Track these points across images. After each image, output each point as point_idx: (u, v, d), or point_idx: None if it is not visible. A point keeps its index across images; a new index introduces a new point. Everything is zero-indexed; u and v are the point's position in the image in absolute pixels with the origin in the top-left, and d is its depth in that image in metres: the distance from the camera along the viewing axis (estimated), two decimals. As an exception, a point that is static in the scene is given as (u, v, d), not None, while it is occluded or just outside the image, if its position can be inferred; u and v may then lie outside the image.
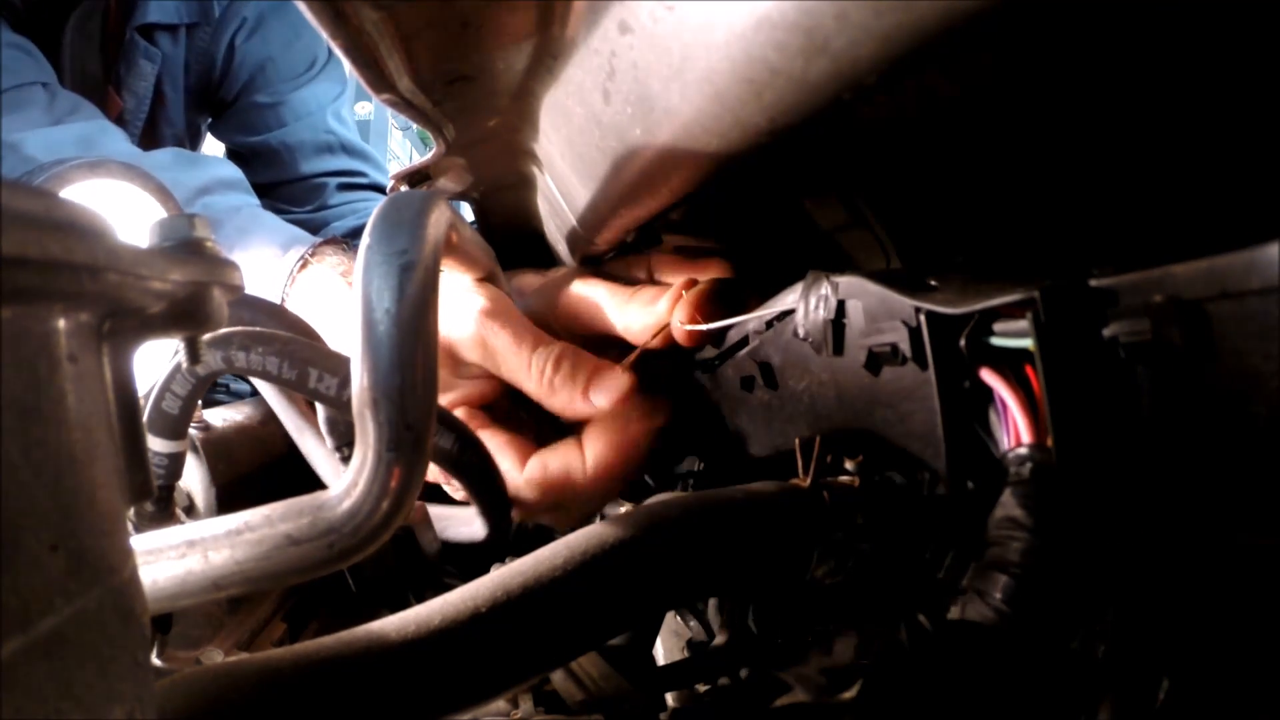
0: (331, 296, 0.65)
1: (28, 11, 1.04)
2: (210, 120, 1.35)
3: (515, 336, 0.51)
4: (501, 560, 0.46)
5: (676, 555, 0.32)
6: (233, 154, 1.34)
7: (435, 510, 0.53)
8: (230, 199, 0.85)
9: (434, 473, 0.54)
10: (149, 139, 1.23)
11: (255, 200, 0.88)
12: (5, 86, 0.92)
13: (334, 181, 1.27)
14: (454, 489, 0.54)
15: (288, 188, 1.26)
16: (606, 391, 0.49)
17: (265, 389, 0.51)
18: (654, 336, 0.49)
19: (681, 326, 0.47)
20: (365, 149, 1.35)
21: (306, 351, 0.39)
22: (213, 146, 1.45)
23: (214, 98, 1.29)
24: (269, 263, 0.70)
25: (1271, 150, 0.25)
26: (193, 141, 1.36)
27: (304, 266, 0.68)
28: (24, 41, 0.99)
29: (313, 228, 1.18)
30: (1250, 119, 0.26)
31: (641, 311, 0.50)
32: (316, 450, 0.50)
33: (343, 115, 1.33)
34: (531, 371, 0.50)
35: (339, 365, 0.39)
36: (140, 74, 1.17)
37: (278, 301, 0.66)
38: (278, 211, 1.19)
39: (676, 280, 0.50)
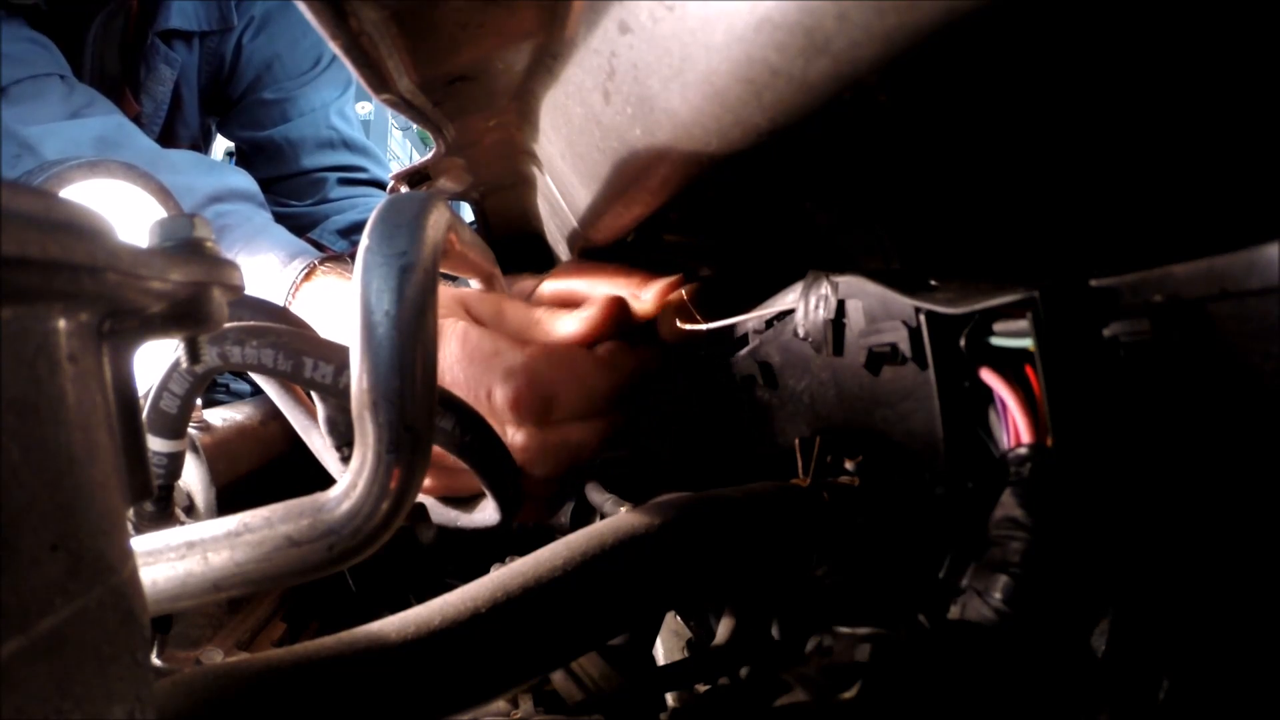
0: (335, 305, 0.65)
1: (51, 10, 1.04)
2: (218, 120, 1.36)
3: (526, 301, 0.56)
4: (501, 560, 0.46)
5: (676, 555, 0.32)
6: (238, 150, 1.35)
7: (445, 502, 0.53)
8: (242, 208, 0.85)
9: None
10: (166, 142, 1.24)
11: (268, 214, 0.88)
12: (21, 77, 0.92)
13: (334, 176, 1.28)
14: (438, 490, 0.54)
15: (289, 182, 1.27)
16: (598, 301, 0.52)
17: (269, 388, 0.51)
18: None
19: (681, 326, 0.47)
20: (367, 145, 1.37)
21: (300, 342, 0.39)
22: (219, 144, 1.45)
23: (221, 95, 1.30)
24: (273, 271, 0.70)
25: (1271, 150, 0.25)
26: (205, 142, 1.37)
27: (309, 275, 0.68)
28: (41, 37, 0.99)
29: (312, 222, 1.18)
30: (1250, 119, 0.26)
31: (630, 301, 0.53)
32: (320, 447, 0.50)
33: (346, 112, 1.34)
34: (533, 315, 0.54)
35: (333, 354, 0.39)
36: (159, 78, 1.18)
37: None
38: (279, 205, 1.20)
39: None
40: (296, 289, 0.67)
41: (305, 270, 0.68)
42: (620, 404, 0.52)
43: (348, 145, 1.32)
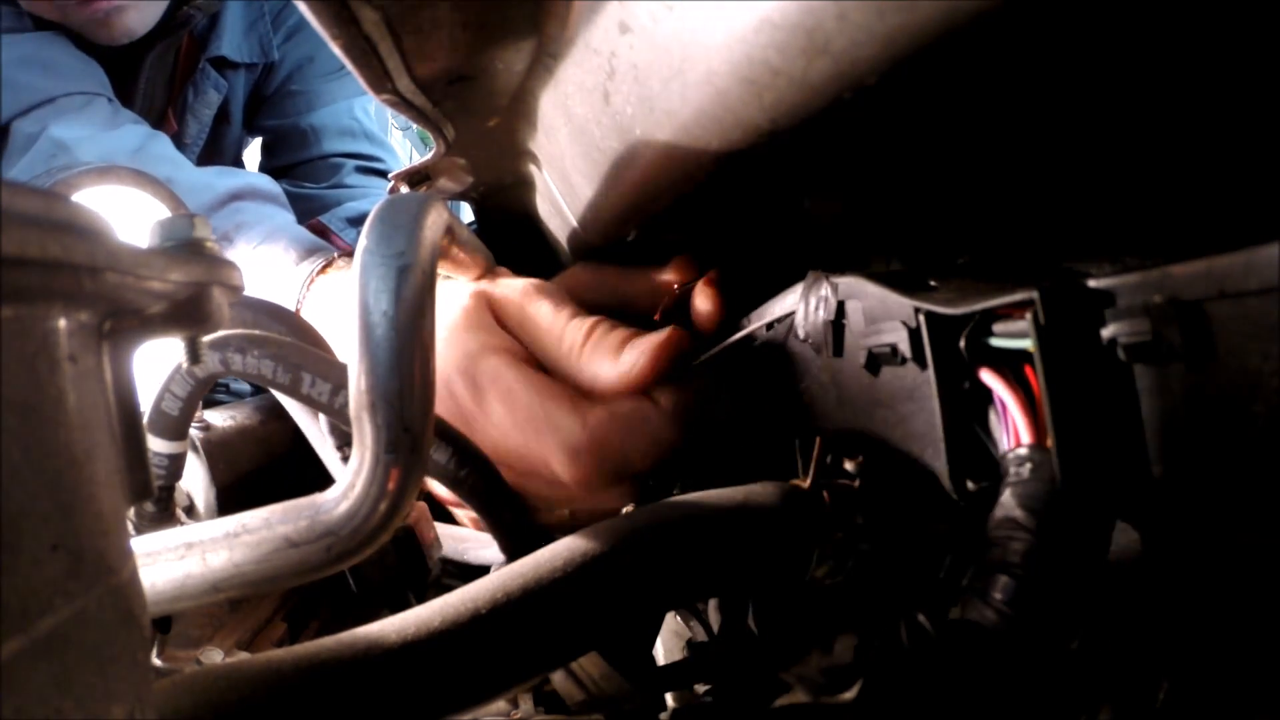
0: (348, 299, 0.65)
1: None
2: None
3: (555, 307, 0.50)
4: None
5: (677, 556, 0.32)
6: (262, 142, 1.39)
7: (455, 532, 0.52)
8: (263, 207, 0.86)
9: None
10: (206, 161, 1.29)
11: (290, 214, 0.89)
12: (71, 91, 0.96)
13: (352, 163, 1.30)
14: (465, 511, 0.53)
15: (308, 165, 1.30)
16: (642, 346, 0.46)
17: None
18: (669, 302, 0.50)
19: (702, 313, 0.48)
20: (386, 141, 1.40)
21: (300, 356, 0.39)
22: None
23: (257, 99, 1.35)
24: (288, 265, 0.70)
25: (1271, 150, 0.25)
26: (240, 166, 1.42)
27: (325, 269, 0.68)
28: (91, 61, 1.04)
29: (324, 205, 1.21)
30: (1250, 119, 0.26)
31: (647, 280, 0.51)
32: (325, 446, 0.50)
33: (368, 110, 1.38)
34: (564, 339, 0.48)
35: (332, 371, 0.39)
36: (207, 101, 1.25)
37: (294, 302, 0.66)
38: (295, 187, 1.23)
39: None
40: (312, 281, 0.67)
41: (322, 264, 0.68)
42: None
43: (368, 137, 1.34)
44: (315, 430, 0.50)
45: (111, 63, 1.06)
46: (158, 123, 1.11)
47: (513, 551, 0.45)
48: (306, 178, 1.28)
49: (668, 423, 0.46)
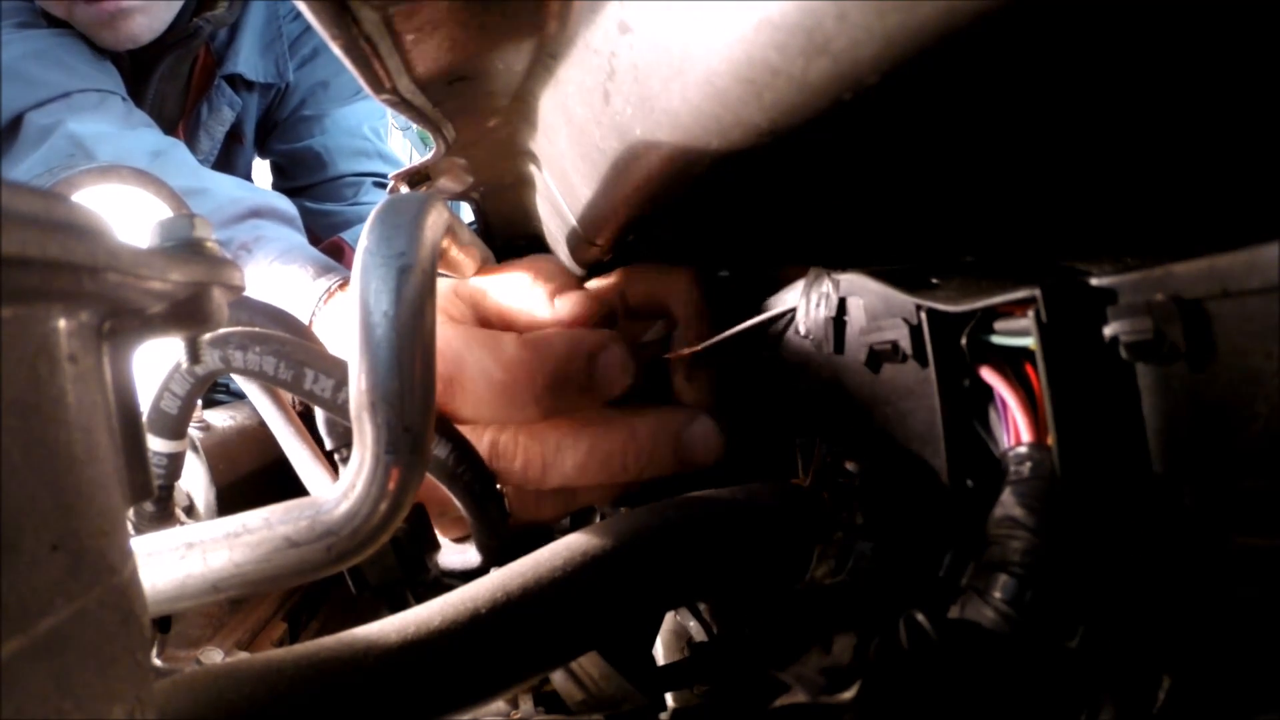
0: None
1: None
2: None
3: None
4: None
5: (677, 556, 0.32)
6: (274, 166, 1.41)
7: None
8: (281, 228, 0.87)
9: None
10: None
11: (304, 238, 0.90)
12: (86, 87, 0.97)
13: (369, 180, 1.33)
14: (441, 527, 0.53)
15: (325, 186, 1.32)
16: (571, 299, 0.47)
17: (254, 395, 0.50)
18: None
19: (671, 356, 0.48)
20: (399, 159, 1.44)
21: (302, 353, 0.39)
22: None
23: (269, 122, 1.37)
24: (304, 281, 0.71)
25: (1272, 150, 0.25)
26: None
27: (344, 285, 0.68)
28: (106, 61, 1.05)
29: (348, 220, 1.23)
30: (1251, 118, 0.26)
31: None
32: (303, 458, 0.50)
33: (380, 132, 1.40)
34: (520, 281, 0.49)
35: (334, 367, 0.39)
36: (221, 118, 1.27)
37: (308, 315, 0.66)
38: (317, 205, 1.26)
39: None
40: (329, 296, 0.68)
41: (340, 280, 0.69)
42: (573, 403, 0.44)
43: (381, 156, 1.37)
44: (294, 443, 0.49)
45: (122, 68, 1.07)
46: (167, 135, 1.12)
47: (491, 552, 0.45)
48: (325, 199, 1.30)
49: (520, 349, 0.43)
